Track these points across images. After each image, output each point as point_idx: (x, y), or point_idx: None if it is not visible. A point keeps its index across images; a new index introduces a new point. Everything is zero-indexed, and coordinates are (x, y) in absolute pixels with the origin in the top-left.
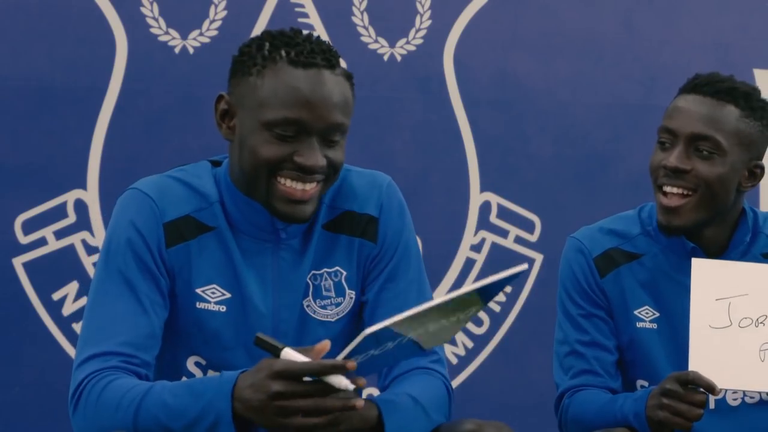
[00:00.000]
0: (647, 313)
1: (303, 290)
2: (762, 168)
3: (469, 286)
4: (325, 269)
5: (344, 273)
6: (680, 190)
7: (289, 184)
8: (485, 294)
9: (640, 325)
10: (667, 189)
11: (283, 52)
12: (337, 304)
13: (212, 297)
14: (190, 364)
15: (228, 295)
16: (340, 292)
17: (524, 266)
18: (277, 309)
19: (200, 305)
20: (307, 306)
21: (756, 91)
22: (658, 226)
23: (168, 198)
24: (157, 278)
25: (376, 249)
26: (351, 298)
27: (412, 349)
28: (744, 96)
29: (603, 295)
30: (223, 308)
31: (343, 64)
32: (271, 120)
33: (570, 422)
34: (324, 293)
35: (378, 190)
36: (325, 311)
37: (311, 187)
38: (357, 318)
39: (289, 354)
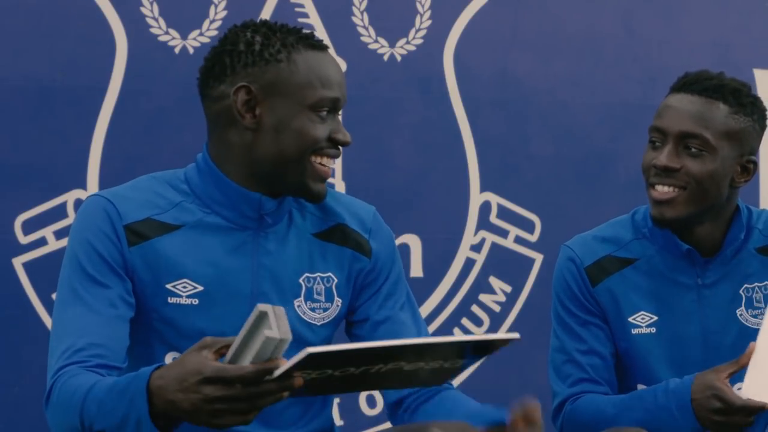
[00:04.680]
0: (643, 319)
1: (293, 289)
2: (755, 163)
3: (458, 337)
4: (319, 273)
5: (336, 280)
6: (671, 188)
7: (325, 162)
8: (468, 350)
9: (635, 331)
10: (658, 187)
11: (295, 38)
12: (325, 309)
13: (183, 291)
14: (169, 359)
15: (200, 288)
16: (329, 297)
17: (515, 335)
18: (255, 297)
19: (172, 300)
20: (298, 306)
21: (745, 87)
22: (652, 220)
23: (127, 203)
24: (121, 276)
25: (370, 265)
26: (337, 305)
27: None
28: (733, 92)
29: (597, 304)
30: (195, 301)
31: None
32: (316, 101)
33: (577, 426)
34: (315, 296)
35: (366, 214)
36: (313, 314)
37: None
38: (339, 327)
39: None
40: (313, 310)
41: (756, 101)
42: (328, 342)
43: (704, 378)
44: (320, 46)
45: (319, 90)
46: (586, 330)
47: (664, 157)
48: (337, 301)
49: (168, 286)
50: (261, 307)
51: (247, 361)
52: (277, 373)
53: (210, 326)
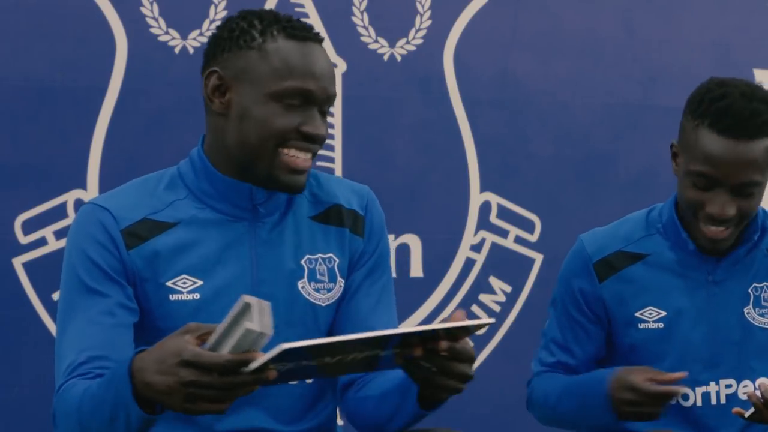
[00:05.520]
0: (651, 314)
1: (295, 271)
2: None
3: (436, 325)
4: (320, 254)
5: (337, 261)
6: (725, 228)
7: (294, 154)
8: (421, 337)
9: (642, 326)
10: (712, 228)
11: (277, 28)
12: (329, 290)
13: (183, 287)
14: None
15: (199, 283)
16: (332, 278)
17: (490, 320)
18: (257, 285)
19: (173, 297)
20: (302, 287)
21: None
22: (699, 249)
23: (122, 206)
24: (120, 283)
25: (363, 244)
26: (340, 286)
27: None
28: None
29: (597, 301)
30: (196, 296)
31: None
32: (280, 91)
33: (532, 406)
34: (318, 277)
35: (360, 192)
36: (318, 294)
37: (309, 158)
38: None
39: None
40: (317, 290)
41: None
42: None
43: (621, 372)
44: (303, 37)
45: (285, 80)
46: (570, 327)
47: (721, 207)
48: (340, 281)
49: (168, 283)
50: (246, 298)
51: (226, 350)
52: (253, 366)
53: (213, 320)
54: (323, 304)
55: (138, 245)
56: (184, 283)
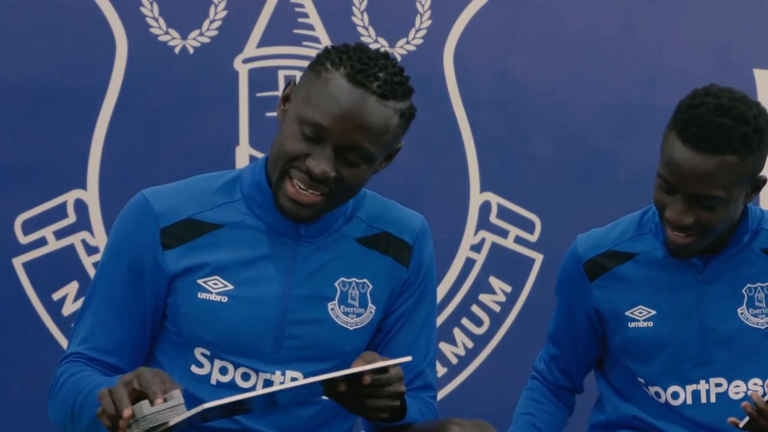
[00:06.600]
0: (641, 313)
1: (327, 293)
2: (764, 180)
3: (322, 376)
4: (355, 279)
5: (371, 287)
6: (687, 235)
7: (296, 184)
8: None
9: (632, 325)
10: (675, 232)
11: (348, 65)
12: (358, 315)
13: (214, 288)
14: (198, 354)
15: (230, 287)
16: (363, 303)
17: (407, 358)
18: (286, 299)
19: (201, 295)
20: (332, 309)
21: (749, 118)
22: (669, 252)
23: (169, 203)
24: (141, 286)
25: (407, 274)
26: (371, 312)
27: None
28: (740, 139)
29: (586, 300)
30: (224, 299)
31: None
32: (302, 116)
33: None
34: (349, 301)
35: (415, 223)
36: (346, 318)
37: (314, 195)
38: (374, 333)
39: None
40: (346, 314)
41: (758, 124)
42: (360, 348)
43: None
44: (358, 82)
45: (310, 109)
46: (563, 321)
47: (676, 214)
48: (371, 307)
49: (199, 281)
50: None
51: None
52: (175, 420)
53: (235, 325)
54: (351, 328)
55: (175, 246)
56: (215, 284)
